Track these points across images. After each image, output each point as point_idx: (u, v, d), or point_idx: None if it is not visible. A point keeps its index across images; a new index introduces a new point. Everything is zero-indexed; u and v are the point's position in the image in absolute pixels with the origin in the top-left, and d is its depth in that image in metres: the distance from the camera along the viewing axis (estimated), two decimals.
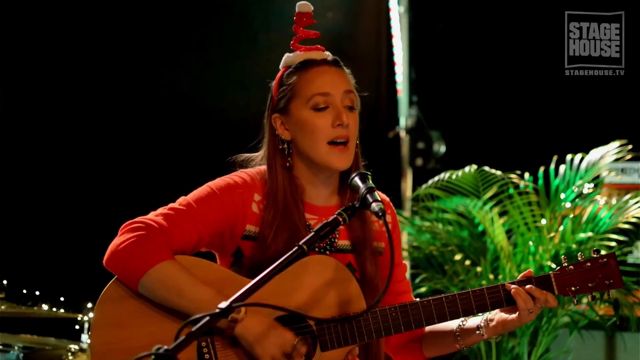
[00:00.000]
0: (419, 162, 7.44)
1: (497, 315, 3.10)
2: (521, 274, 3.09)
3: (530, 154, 5.54)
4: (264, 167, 3.19)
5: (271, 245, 3.03)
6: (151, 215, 3.01)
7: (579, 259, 3.11)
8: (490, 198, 5.28)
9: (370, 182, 2.87)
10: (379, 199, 2.79)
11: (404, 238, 5.58)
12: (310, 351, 2.97)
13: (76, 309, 4.89)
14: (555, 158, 5.30)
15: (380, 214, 2.74)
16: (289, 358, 2.86)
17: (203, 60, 6.86)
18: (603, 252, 3.13)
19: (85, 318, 4.85)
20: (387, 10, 7.60)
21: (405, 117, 7.61)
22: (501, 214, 5.28)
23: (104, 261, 2.96)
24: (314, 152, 3.09)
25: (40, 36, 6.27)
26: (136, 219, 2.98)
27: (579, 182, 5.06)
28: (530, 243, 5.07)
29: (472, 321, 3.15)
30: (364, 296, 3.05)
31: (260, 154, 3.24)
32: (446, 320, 3.07)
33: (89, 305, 4.91)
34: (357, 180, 2.89)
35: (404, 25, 7.65)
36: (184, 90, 6.75)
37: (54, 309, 4.84)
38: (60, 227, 6.12)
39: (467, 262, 5.08)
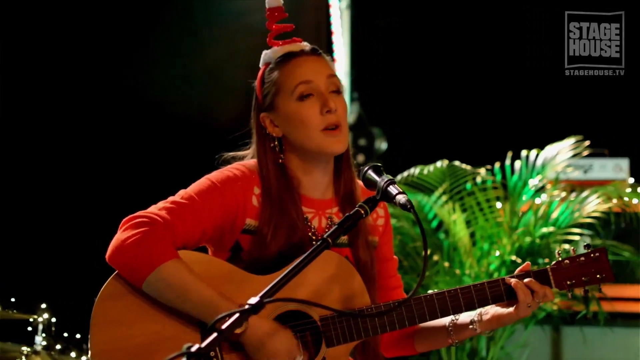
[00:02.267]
0: (361, 159, 7.44)
1: (492, 309, 3.10)
2: (519, 268, 3.11)
3: (483, 150, 5.57)
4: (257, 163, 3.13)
5: (271, 243, 2.98)
6: (153, 209, 2.91)
7: (572, 253, 3.15)
8: (451, 197, 5.29)
9: (386, 173, 2.83)
10: (403, 191, 2.75)
11: None
12: (313, 348, 2.93)
13: (29, 310, 4.74)
14: (510, 154, 5.34)
15: (408, 205, 2.70)
16: None
17: (145, 55, 6.73)
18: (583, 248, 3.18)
19: (40, 319, 4.70)
20: (328, 6, 7.58)
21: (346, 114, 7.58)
22: (463, 212, 5.29)
23: (107, 256, 2.86)
24: (308, 142, 3.04)
25: None
26: (138, 214, 2.89)
27: (537, 178, 5.10)
28: (484, 242, 5.11)
29: (465, 316, 3.14)
30: None
31: (249, 153, 3.18)
32: (449, 314, 3.07)
33: (43, 306, 4.77)
34: (371, 173, 2.85)
35: (345, 21, 7.63)
36: (126, 85, 6.61)
37: (6, 310, 4.68)
38: (12, 226, 5.94)
39: (435, 258, 5.09)
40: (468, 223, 5.25)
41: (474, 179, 5.22)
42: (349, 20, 7.63)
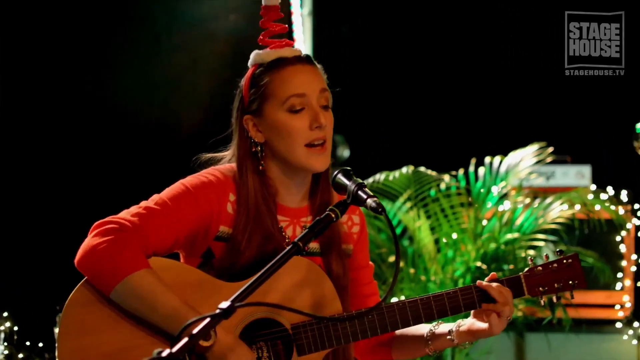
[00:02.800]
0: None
1: (468, 320, 3.09)
2: (487, 277, 3.10)
3: (447, 156, 5.58)
4: (236, 167, 3.08)
5: (244, 251, 2.93)
6: (125, 214, 2.86)
7: (544, 259, 3.15)
8: (416, 204, 5.29)
9: (356, 178, 2.81)
10: (374, 195, 2.74)
11: None
12: (285, 356, 2.90)
13: None
14: (473, 161, 5.35)
15: (379, 209, 2.68)
16: None
17: (105, 61, 6.68)
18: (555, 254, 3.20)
19: (1, 328, 4.64)
20: (290, 13, 7.55)
21: None
22: (428, 219, 5.29)
23: (75, 261, 2.80)
24: (291, 155, 2.99)
25: None
26: (109, 219, 2.83)
27: (500, 185, 5.12)
28: (450, 247, 5.11)
29: (444, 326, 3.13)
30: None
31: (228, 155, 3.12)
32: (421, 322, 3.05)
33: (5, 314, 4.72)
34: (341, 177, 2.82)
35: (307, 28, 7.61)
36: (87, 91, 6.56)
37: None
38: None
39: (392, 259, 5.08)
40: (432, 230, 5.25)
41: (439, 185, 5.22)
42: (311, 27, 7.61)
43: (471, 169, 5.32)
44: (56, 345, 2.82)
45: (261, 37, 3.08)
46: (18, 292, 5.25)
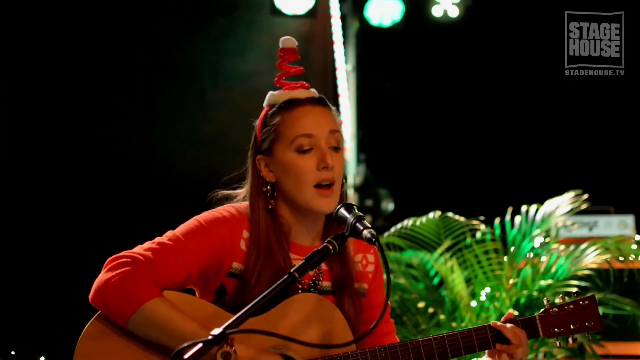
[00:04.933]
0: (368, 219, 7.43)
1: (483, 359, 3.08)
2: (503, 317, 3.09)
3: (485, 205, 5.56)
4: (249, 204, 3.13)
5: (254, 288, 2.94)
6: (138, 249, 2.91)
7: (560, 301, 3.13)
8: (448, 249, 5.27)
9: (357, 211, 2.84)
10: (370, 226, 2.76)
11: None
12: None
13: None
14: (510, 209, 5.33)
15: (373, 239, 2.71)
16: None
17: (151, 115, 6.82)
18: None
19: None
20: (334, 68, 7.66)
21: (353, 175, 7.63)
22: (464, 267, 5.27)
23: (90, 297, 2.86)
24: (299, 196, 3.02)
25: None
26: (122, 254, 2.89)
27: (536, 232, 5.08)
28: (485, 292, 5.07)
29: None
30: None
31: (242, 192, 3.17)
32: None
33: (42, 359, 4.79)
34: (342, 211, 2.86)
35: (352, 83, 7.71)
36: (132, 144, 6.70)
37: None
38: (17, 281, 5.98)
39: (431, 310, 5.06)
40: (468, 280, 5.23)
41: (474, 233, 5.20)
42: (354, 82, 7.70)
43: (507, 217, 5.29)
44: None
45: (277, 78, 3.15)
46: (55, 335, 5.31)
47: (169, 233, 2.99)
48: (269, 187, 3.07)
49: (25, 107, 6.31)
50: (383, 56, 7.78)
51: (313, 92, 3.13)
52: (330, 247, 2.73)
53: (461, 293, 5.13)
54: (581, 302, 3.13)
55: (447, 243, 5.28)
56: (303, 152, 3.01)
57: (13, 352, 4.74)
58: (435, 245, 5.28)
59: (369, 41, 7.70)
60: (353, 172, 7.64)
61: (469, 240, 5.24)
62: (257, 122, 3.11)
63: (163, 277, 2.89)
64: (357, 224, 2.78)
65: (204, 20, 7.10)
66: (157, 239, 2.97)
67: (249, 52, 7.10)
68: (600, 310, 5.15)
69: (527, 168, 7.06)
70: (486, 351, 3.07)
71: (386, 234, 5.36)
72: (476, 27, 6.81)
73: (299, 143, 3.01)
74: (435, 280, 5.39)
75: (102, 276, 2.85)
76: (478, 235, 5.25)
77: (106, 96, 6.62)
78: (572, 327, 3.11)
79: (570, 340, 3.12)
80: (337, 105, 7.72)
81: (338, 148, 3.06)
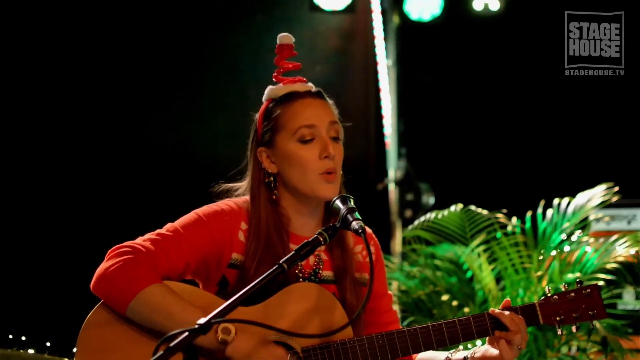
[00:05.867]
0: (408, 213, 7.46)
1: (482, 348, 3.10)
2: (501, 304, 3.11)
3: (518, 197, 5.54)
4: (249, 197, 3.20)
5: (254, 277, 2.97)
6: (138, 240, 3.01)
7: (562, 289, 3.13)
8: (479, 244, 5.26)
9: (352, 203, 2.89)
10: (360, 218, 2.81)
11: (394, 285, 5.56)
12: None
13: (63, 354, 4.85)
14: (542, 203, 5.30)
15: (360, 231, 2.76)
16: None
17: (191, 112, 6.91)
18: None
19: None
20: (375, 63, 7.68)
21: (394, 170, 7.65)
22: (491, 259, 5.25)
23: (91, 286, 2.96)
24: (303, 184, 3.10)
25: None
26: (123, 244, 2.98)
27: (565, 225, 5.05)
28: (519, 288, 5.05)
29: (460, 354, 3.15)
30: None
31: (243, 185, 3.24)
32: (433, 348, 3.07)
33: (75, 350, 4.87)
34: (338, 202, 2.92)
35: (392, 78, 7.72)
36: (173, 140, 6.79)
37: (41, 354, 4.79)
38: (51, 272, 6.10)
39: (454, 303, 5.05)
40: (497, 273, 5.21)
41: (498, 223, 5.19)
42: (395, 76, 7.71)
43: (539, 210, 5.26)
44: None
45: (275, 74, 3.23)
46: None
47: (168, 225, 3.09)
48: (271, 178, 3.14)
49: (71, 99, 6.45)
50: (423, 51, 7.77)
51: (311, 85, 3.21)
52: (321, 239, 2.79)
53: (489, 286, 5.12)
54: (584, 291, 3.14)
55: (479, 239, 5.27)
56: (305, 142, 3.10)
57: (48, 344, 4.83)
58: (461, 239, 5.27)
59: (409, 36, 7.70)
60: (394, 166, 7.65)
61: (499, 234, 5.23)
62: (258, 116, 3.20)
63: (162, 266, 2.97)
64: (348, 216, 2.84)
65: (244, 17, 7.17)
66: (157, 231, 3.07)
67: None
68: (630, 304, 5.13)
69: (561, 162, 7.00)
70: (487, 338, 3.10)
71: (410, 227, 5.37)
72: (518, 20, 6.75)
73: (301, 134, 3.09)
74: (469, 274, 5.39)
75: (103, 265, 2.95)
76: (509, 228, 5.23)
77: (147, 93, 6.73)
78: (574, 315, 3.12)
79: (574, 328, 3.13)
80: (378, 100, 7.74)
81: (338, 138, 3.15)
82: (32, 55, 6.36)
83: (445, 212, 5.15)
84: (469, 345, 3.30)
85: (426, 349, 3.06)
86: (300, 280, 3.13)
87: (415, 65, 7.82)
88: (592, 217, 5.24)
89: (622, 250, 4.81)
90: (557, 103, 6.86)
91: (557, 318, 3.11)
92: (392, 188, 7.62)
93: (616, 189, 5.12)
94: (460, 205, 5.18)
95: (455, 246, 5.40)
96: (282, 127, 3.12)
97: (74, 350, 2.99)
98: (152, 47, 6.79)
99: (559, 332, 3.12)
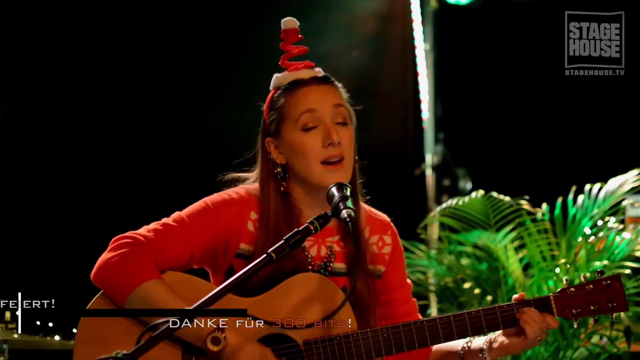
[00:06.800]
0: (445, 199, 7.39)
1: (500, 337, 3.05)
2: (514, 297, 3.05)
3: (546, 184, 5.46)
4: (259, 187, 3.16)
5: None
6: (142, 230, 3.00)
7: (581, 280, 3.05)
8: (499, 229, 5.19)
9: (347, 191, 2.83)
10: (351, 207, 2.75)
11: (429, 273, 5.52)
12: None
13: None
14: (574, 188, 5.20)
15: (347, 220, 2.71)
16: None
17: (226, 98, 6.90)
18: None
19: None
20: (413, 48, 7.61)
21: (431, 155, 7.58)
22: (519, 245, 5.18)
23: (91, 275, 2.97)
24: (309, 174, 3.05)
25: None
26: (126, 234, 2.97)
27: (595, 211, 4.95)
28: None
29: (477, 342, 3.10)
30: (355, 318, 3.01)
31: (253, 175, 3.21)
32: (439, 342, 3.02)
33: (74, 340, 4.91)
34: (333, 189, 2.86)
35: (430, 62, 7.65)
36: (205, 127, 6.79)
37: (66, 340, 4.84)
38: (76, 259, 6.14)
39: (477, 291, 4.98)
40: (521, 259, 5.14)
41: (523, 209, 5.11)
42: (432, 61, 7.64)
43: (570, 196, 5.16)
44: (72, 354, 2.97)
45: (281, 59, 3.18)
46: None
47: (175, 214, 3.06)
48: (280, 169, 3.10)
49: (97, 89, 6.47)
50: (460, 34, 7.68)
51: (317, 70, 3.15)
52: (312, 228, 2.74)
53: (516, 273, 5.05)
54: (604, 282, 3.04)
55: (509, 226, 5.20)
56: (308, 130, 3.04)
57: (75, 331, 4.88)
58: (485, 226, 5.20)
59: (446, 19, 7.61)
60: (431, 151, 7.58)
61: (528, 221, 5.15)
62: (264, 106, 3.15)
63: (164, 258, 2.96)
64: (340, 204, 2.77)
65: (280, 2, 7.13)
66: (163, 220, 3.05)
67: (326, 33, 7.09)
68: None
69: (592, 149, 6.89)
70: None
71: (432, 213, 5.32)
72: (553, 3, 6.62)
73: (304, 121, 3.04)
74: (496, 263, 5.32)
75: (104, 255, 2.95)
76: (538, 215, 5.15)
77: (181, 80, 6.73)
78: (592, 307, 3.02)
79: (592, 321, 3.05)
80: (415, 84, 7.67)
81: (345, 123, 3.07)
82: (42, 43, 6.38)
83: (466, 198, 5.07)
84: None
85: (432, 343, 3.01)
86: (310, 270, 3.09)
87: (453, 49, 7.72)
88: (625, 203, 5.13)
89: None
90: (592, 89, 6.72)
91: (574, 311, 3.01)
92: (429, 173, 7.55)
93: None
94: (481, 192, 5.10)
95: (484, 232, 5.34)
96: (287, 116, 3.08)
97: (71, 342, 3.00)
98: (187, 34, 6.79)
99: (575, 325, 3.04)
